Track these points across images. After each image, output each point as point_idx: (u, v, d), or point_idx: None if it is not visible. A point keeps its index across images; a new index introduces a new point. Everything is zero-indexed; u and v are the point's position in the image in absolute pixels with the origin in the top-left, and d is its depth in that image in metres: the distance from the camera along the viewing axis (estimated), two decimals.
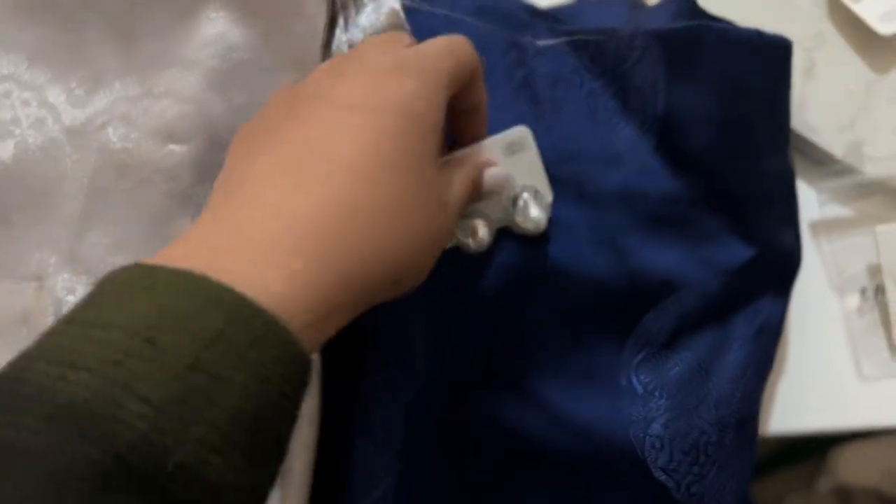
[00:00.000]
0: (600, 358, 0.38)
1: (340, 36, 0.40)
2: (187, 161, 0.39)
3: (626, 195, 0.39)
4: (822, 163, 0.45)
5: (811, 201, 0.45)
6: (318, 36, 0.40)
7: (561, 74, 0.40)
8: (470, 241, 0.36)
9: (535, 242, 0.38)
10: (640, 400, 0.38)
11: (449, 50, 0.31)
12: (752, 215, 0.40)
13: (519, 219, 0.36)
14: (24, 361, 0.22)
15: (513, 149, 0.36)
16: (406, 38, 0.33)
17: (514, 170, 0.36)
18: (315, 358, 0.40)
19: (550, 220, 0.37)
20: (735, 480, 0.39)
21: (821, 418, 0.44)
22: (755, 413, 0.40)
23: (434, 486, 0.39)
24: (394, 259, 0.28)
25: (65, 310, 0.35)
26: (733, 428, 0.38)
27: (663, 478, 0.37)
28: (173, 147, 0.39)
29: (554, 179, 0.37)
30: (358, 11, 0.40)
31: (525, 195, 0.36)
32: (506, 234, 0.37)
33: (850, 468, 0.87)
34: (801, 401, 0.44)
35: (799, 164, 0.43)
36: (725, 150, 0.39)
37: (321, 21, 0.40)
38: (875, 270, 0.44)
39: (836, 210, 0.45)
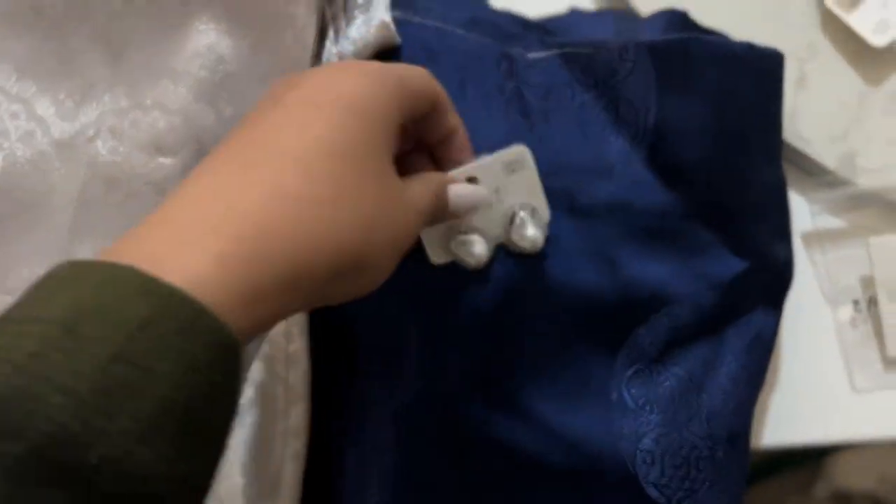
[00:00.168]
0: (591, 372, 0.38)
1: (331, 48, 0.40)
2: (176, 173, 0.38)
3: (618, 207, 0.39)
4: (815, 174, 0.45)
5: (804, 213, 0.45)
6: (308, 48, 0.40)
7: (552, 86, 0.40)
8: (467, 258, 0.36)
9: (526, 255, 0.38)
10: (632, 414, 0.37)
11: (405, 73, 0.32)
12: (745, 228, 0.40)
13: (515, 237, 0.37)
14: None
15: (512, 167, 0.36)
16: None
17: (513, 188, 0.37)
18: (305, 368, 0.40)
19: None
20: (727, 495, 0.38)
21: (814, 430, 0.44)
22: (747, 427, 0.40)
23: (433, 492, 0.39)
24: (344, 249, 0.27)
25: None
26: (725, 442, 0.38)
27: (655, 493, 0.37)
28: (162, 160, 0.39)
29: (545, 191, 0.37)
30: (348, 24, 0.40)
31: (522, 213, 0.37)
32: (499, 247, 0.37)
33: (846, 473, 0.87)
34: (793, 413, 0.44)
35: (791, 176, 0.43)
36: (717, 162, 0.39)
37: (311, 33, 0.40)
38: (868, 282, 0.44)
39: (829, 221, 0.45)
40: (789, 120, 0.43)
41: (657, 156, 0.39)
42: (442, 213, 0.34)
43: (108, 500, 0.20)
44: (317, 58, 0.40)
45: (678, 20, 0.42)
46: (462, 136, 0.36)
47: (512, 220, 0.37)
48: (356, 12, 0.40)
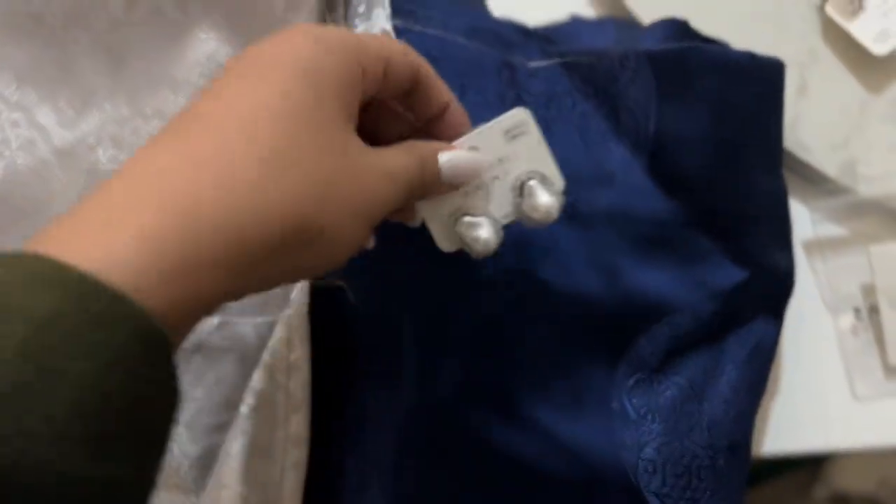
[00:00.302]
0: (592, 381, 0.38)
1: None
2: None
3: (618, 215, 0.39)
4: (816, 182, 0.45)
5: (805, 220, 0.45)
6: None
7: (553, 95, 0.40)
8: (474, 244, 0.33)
9: (526, 263, 0.38)
10: (633, 424, 0.37)
11: (367, 39, 0.30)
12: (745, 236, 0.40)
13: (526, 208, 0.33)
14: None
15: (512, 133, 0.33)
16: None
17: (517, 156, 0.33)
18: (305, 375, 0.40)
19: (546, 247, 0.37)
20: (728, 503, 0.38)
21: (814, 438, 0.44)
22: (748, 435, 0.40)
23: (432, 499, 0.39)
24: (288, 217, 0.25)
25: None
26: (726, 451, 0.38)
27: (656, 502, 0.37)
28: None
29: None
30: None
31: (531, 182, 0.33)
32: (496, 254, 0.35)
33: (845, 476, 0.87)
34: (794, 421, 0.44)
35: (792, 183, 0.43)
36: (718, 171, 0.39)
37: None
38: (869, 290, 0.44)
39: (830, 229, 0.45)
40: (790, 128, 0.43)
41: (658, 164, 0.39)
42: (433, 183, 0.32)
43: None
44: None
45: (679, 29, 0.42)
46: (456, 111, 0.33)
47: (521, 190, 0.33)
48: (357, 21, 0.40)
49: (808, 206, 0.45)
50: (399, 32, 0.40)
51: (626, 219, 0.39)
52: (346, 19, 0.40)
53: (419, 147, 0.31)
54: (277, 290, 0.40)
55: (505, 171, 0.33)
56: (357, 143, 0.28)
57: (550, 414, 0.38)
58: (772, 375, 0.42)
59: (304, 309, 0.39)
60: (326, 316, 0.40)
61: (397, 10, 0.40)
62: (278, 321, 0.40)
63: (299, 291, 0.39)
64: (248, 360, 0.40)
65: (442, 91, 0.32)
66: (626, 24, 0.46)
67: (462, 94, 0.39)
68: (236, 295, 0.25)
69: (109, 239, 0.22)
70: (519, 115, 0.33)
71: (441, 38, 0.41)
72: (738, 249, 0.40)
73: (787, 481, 0.90)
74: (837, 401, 0.44)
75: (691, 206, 0.39)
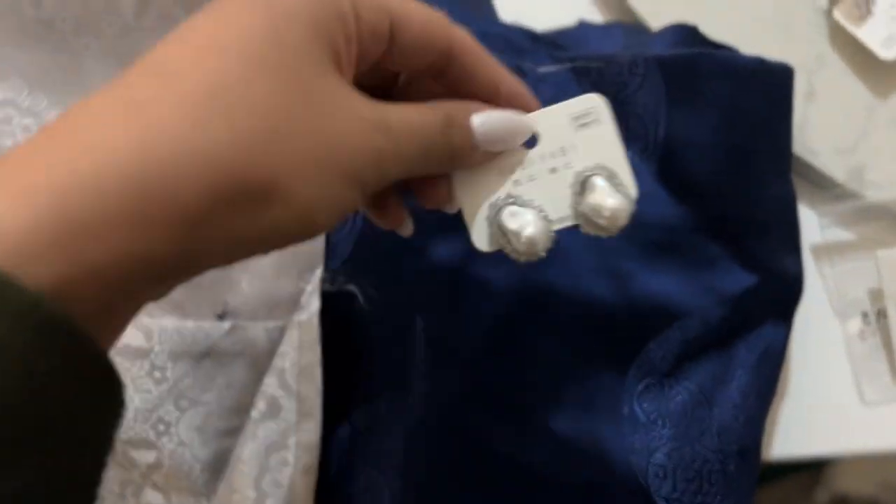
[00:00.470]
0: (602, 386, 0.38)
1: None
2: None
3: None
4: (824, 186, 0.45)
5: (812, 225, 0.45)
6: None
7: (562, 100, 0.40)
8: (516, 242, 0.28)
9: (535, 268, 0.38)
10: (643, 429, 0.37)
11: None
12: (754, 242, 0.40)
13: (588, 210, 0.28)
14: None
15: (581, 121, 0.28)
16: None
17: (584, 148, 0.28)
18: (317, 381, 0.40)
19: (554, 252, 0.36)
20: None
21: (823, 443, 0.44)
22: (758, 440, 0.40)
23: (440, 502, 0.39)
24: (222, 164, 0.21)
25: None
26: (736, 456, 0.38)
27: None
28: None
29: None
30: None
31: (597, 179, 0.28)
32: (505, 260, 0.31)
33: (847, 479, 0.87)
34: (802, 425, 0.44)
35: (800, 188, 0.43)
36: (727, 176, 0.39)
37: None
38: (877, 295, 0.44)
39: (838, 234, 0.45)
40: (798, 132, 0.43)
41: (667, 169, 0.39)
42: (464, 148, 0.27)
43: None
44: None
45: (688, 34, 0.42)
46: (511, 95, 0.28)
47: (583, 187, 0.28)
48: None
49: (816, 210, 0.45)
50: None
51: (635, 224, 0.39)
52: None
53: (446, 105, 0.27)
54: (287, 294, 0.40)
55: (566, 164, 0.28)
56: (339, 91, 0.24)
57: (560, 418, 0.38)
58: (780, 380, 0.42)
59: (316, 313, 0.39)
60: (336, 319, 0.41)
61: None
62: (289, 325, 0.40)
63: (310, 296, 0.40)
64: (258, 365, 0.40)
65: (489, 70, 0.28)
66: (633, 29, 0.46)
67: None
68: (177, 264, 0.21)
69: (11, 204, 0.18)
70: (592, 101, 0.29)
71: None
72: (747, 254, 0.40)
73: (789, 484, 0.90)
74: (845, 405, 0.44)
75: (701, 212, 0.39)
